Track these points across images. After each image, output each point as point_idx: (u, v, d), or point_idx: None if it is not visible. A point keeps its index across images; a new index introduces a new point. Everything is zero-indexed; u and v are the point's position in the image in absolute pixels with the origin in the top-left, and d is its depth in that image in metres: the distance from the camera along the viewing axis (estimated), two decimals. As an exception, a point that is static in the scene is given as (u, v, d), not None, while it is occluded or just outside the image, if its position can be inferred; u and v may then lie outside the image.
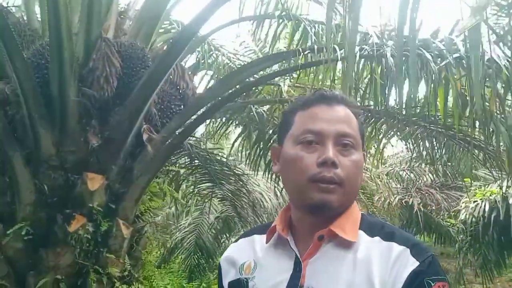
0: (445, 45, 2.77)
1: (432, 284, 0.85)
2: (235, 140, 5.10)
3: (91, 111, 2.71)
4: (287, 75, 3.91)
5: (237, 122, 4.88)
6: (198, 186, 6.42)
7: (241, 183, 5.98)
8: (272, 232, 1.02)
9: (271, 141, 5.19)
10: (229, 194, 5.90)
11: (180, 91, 3.34)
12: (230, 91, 3.23)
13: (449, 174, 8.27)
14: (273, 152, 1.07)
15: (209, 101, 3.19)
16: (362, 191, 6.83)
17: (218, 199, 6.27)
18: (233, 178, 5.73)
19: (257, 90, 4.74)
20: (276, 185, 5.67)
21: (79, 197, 2.77)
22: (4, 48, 2.31)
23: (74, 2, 2.88)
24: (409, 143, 4.92)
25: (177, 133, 3.14)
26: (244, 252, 1.06)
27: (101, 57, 2.71)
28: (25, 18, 3.13)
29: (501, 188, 5.71)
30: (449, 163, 5.54)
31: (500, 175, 6.47)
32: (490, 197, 6.29)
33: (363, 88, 3.94)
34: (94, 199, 2.78)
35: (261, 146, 5.11)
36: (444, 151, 4.92)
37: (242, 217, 6.43)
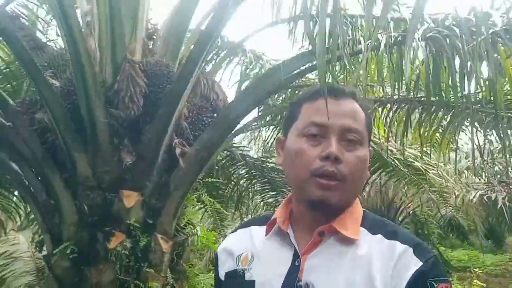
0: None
1: (435, 285, 0.85)
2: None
3: (120, 131, 2.79)
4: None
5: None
6: (262, 195, 6.44)
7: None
8: (272, 224, 1.01)
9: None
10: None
11: (212, 103, 3.35)
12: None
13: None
14: (278, 143, 1.05)
15: (241, 108, 3.14)
16: (434, 189, 6.37)
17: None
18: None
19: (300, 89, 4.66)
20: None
21: (117, 214, 2.87)
22: (32, 80, 2.46)
23: (100, 28, 3.01)
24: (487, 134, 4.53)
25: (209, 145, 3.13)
26: (241, 243, 1.05)
27: (126, 78, 2.80)
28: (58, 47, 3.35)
29: None
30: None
31: None
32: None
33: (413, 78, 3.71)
34: (131, 215, 2.86)
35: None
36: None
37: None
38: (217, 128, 3.15)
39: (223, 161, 5.53)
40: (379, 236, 0.92)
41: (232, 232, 1.14)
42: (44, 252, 3.09)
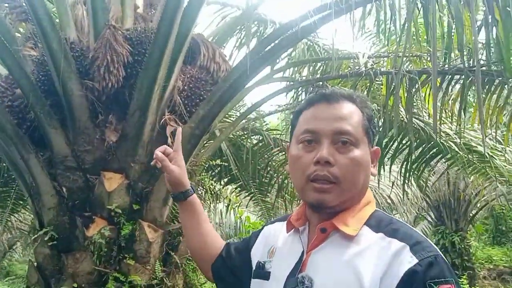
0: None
1: (435, 287, 0.81)
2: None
3: (96, 105, 2.49)
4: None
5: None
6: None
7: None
8: (290, 222, 1.07)
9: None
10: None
11: (213, 75, 2.95)
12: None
13: None
14: (286, 151, 1.10)
15: (241, 77, 2.68)
16: (503, 179, 5.44)
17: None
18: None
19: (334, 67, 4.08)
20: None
21: (98, 199, 2.58)
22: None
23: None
24: None
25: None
26: (273, 237, 1.12)
27: (103, 46, 2.48)
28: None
29: None
30: None
31: None
32: None
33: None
34: (113, 200, 2.57)
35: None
36: None
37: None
38: (211, 101, 2.74)
39: (255, 147, 5.11)
40: (380, 234, 0.92)
41: (271, 223, 1.20)
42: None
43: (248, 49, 2.60)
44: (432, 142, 4.58)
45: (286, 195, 6.16)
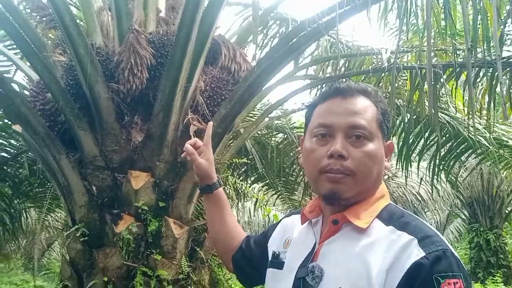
0: None
1: (442, 281, 0.81)
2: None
3: (122, 106, 2.59)
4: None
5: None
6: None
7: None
8: (304, 214, 1.10)
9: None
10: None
11: (234, 75, 3.01)
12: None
13: None
14: (300, 143, 1.12)
15: (261, 75, 2.72)
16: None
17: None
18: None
19: (356, 64, 4.06)
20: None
21: (126, 196, 2.69)
22: (26, 57, 2.36)
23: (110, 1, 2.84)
24: None
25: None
26: (289, 228, 1.15)
27: (127, 49, 2.58)
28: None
29: None
30: None
31: None
32: None
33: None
34: (140, 198, 2.66)
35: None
36: None
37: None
38: (233, 100, 2.79)
39: (279, 146, 5.14)
40: (390, 227, 0.92)
41: (288, 215, 1.23)
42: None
43: (256, 47, 2.64)
44: (461, 137, 4.49)
45: (313, 192, 6.15)
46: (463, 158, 5.11)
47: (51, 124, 2.73)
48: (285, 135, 5.03)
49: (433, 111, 3.88)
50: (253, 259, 1.24)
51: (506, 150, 4.87)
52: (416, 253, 0.84)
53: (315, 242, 1.00)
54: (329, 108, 1.00)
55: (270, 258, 1.13)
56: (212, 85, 2.90)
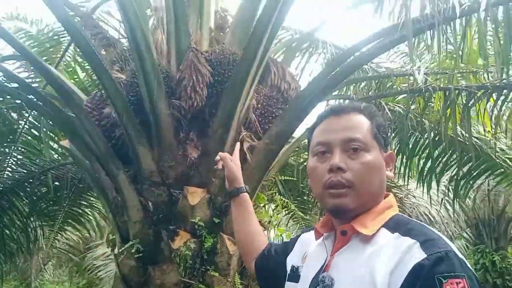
0: None
1: (444, 281, 0.81)
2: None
3: (183, 123, 2.63)
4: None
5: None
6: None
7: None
8: (317, 230, 1.12)
9: (414, 143, 4.51)
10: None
11: (283, 93, 3.07)
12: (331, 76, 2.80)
13: None
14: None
15: (311, 95, 2.81)
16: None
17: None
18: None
19: (387, 84, 4.16)
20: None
21: (182, 212, 2.70)
22: (95, 73, 2.40)
23: (166, 20, 2.91)
24: None
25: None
26: (307, 243, 1.18)
27: (188, 67, 2.64)
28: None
29: None
30: None
31: None
32: None
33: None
34: (196, 214, 2.68)
35: (405, 150, 4.47)
36: None
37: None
38: (286, 120, 2.86)
39: (300, 166, 5.18)
40: (396, 234, 0.94)
41: (307, 230, 1.25)
42: (116, 251, 3.03)
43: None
44: (481, 158, 4.58)
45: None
46: (480, 179, 5.19)
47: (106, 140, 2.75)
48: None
49: (464, 133, 3.99)
50: (273, 268, 1.29)
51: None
52: (418, 255, 0.85)
53: (327, 254, 1.03)
54: (326, 127, 1.05)
55: (288, 272, 1.17)
56: (264, 103, 2.96)
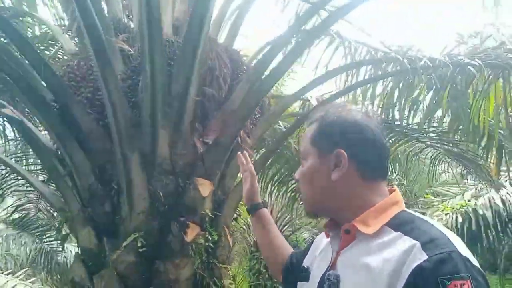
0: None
1: (448, 283, 0.80)
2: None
3: (208, 112, 2.57)
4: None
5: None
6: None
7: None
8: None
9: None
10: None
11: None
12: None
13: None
14: None
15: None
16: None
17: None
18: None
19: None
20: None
21: (191, 204, 2.57)
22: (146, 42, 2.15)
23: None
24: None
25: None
26: (318, 245, 1.20)
27: (216, 57, 2.62)
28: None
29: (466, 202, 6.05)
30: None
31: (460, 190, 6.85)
32: (461, 210, 6.59)
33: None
34: (205, 205, 2.60)
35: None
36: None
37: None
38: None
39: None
40: (398, 233, 0.93)
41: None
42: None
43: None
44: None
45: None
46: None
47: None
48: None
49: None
50: (296, 275, 1.26)
51: None
52: (419, 257, 0.84)
53: (333, 253, 1.05)
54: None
55: (301, 272, 1.19)
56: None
